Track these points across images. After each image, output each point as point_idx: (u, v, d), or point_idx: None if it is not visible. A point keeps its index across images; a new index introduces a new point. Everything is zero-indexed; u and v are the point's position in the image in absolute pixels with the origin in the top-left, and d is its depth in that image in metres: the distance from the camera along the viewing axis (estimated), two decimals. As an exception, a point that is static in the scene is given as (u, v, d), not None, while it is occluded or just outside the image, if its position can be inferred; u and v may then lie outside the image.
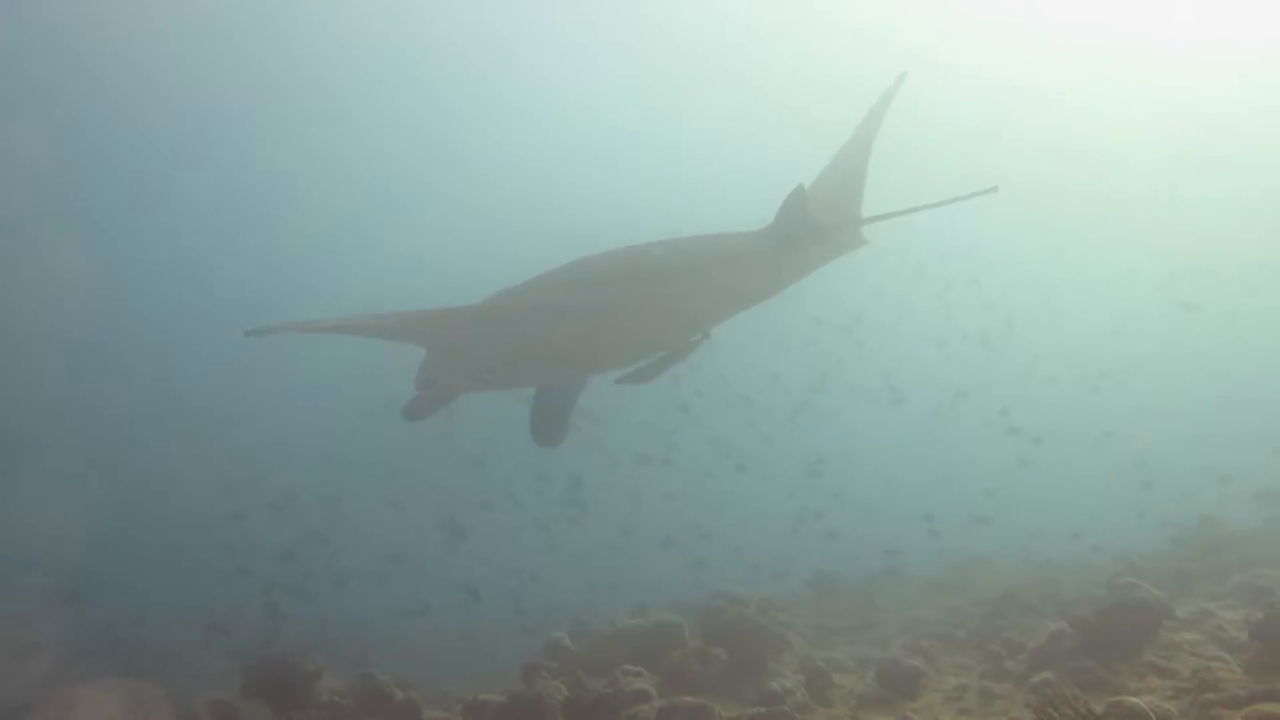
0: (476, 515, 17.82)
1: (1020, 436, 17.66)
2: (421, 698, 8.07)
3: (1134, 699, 5.40)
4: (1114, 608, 7.22)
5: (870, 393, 20.98)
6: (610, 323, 7.70)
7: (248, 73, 38.15)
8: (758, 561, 14.19)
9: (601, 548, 17.02)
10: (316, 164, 41.61)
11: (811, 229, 7.84)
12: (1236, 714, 5.00)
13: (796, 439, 19.81)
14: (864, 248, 8.66)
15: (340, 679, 8.21)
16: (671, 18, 39.55)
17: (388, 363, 8.95)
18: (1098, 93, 36.09)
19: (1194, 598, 8.61)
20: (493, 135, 43.11)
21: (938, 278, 24.49)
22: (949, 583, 13.85)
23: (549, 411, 8.38)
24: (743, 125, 41.73)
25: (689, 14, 39.49)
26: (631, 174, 41.95)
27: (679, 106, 42.39)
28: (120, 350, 34.44)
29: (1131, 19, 35.37)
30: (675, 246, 7.90)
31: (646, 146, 43.09)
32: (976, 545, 15.26)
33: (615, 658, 9.05)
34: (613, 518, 17.16)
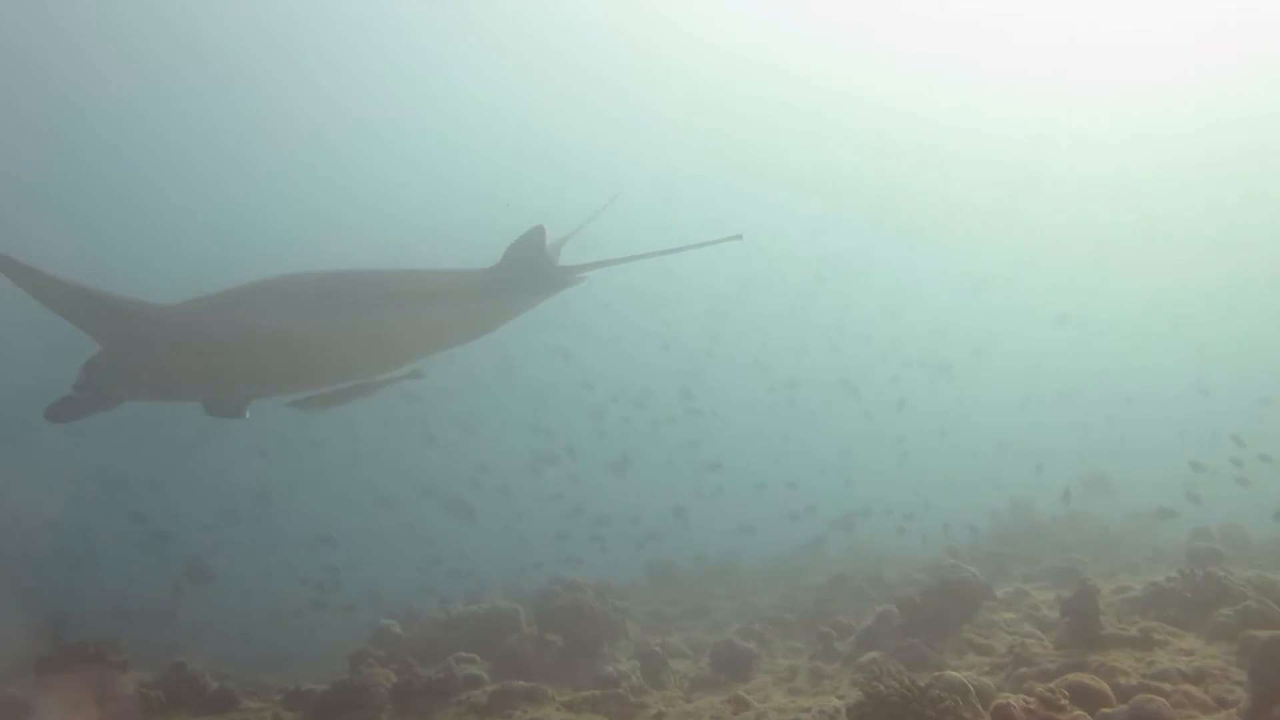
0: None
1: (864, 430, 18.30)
2: (239, 688, 7.57)
3: (954, 673, 5.57)
4: (937, 588, 7.47)
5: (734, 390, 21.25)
6: (304, 349, 7.27)
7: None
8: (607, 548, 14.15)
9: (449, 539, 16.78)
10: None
11: (544, 270, 7.75)
12: (1047, 685, 5.19)
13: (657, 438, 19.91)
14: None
15: (150, 671, 7.62)
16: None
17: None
18: (934, 103, 38.03)
19: (1010, 579, 9.04)
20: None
21: (791, 279, 25.25)
22: (782, 571, 14.18)
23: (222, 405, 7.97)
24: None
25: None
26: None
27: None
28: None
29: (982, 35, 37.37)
30: (390, 278, 7.61)
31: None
32: (806, 534, 15.74)
33: (448, 645, 8.79)
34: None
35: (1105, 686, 4.93)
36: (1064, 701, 4.39)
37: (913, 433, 19.68)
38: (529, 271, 7.67)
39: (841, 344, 21.60)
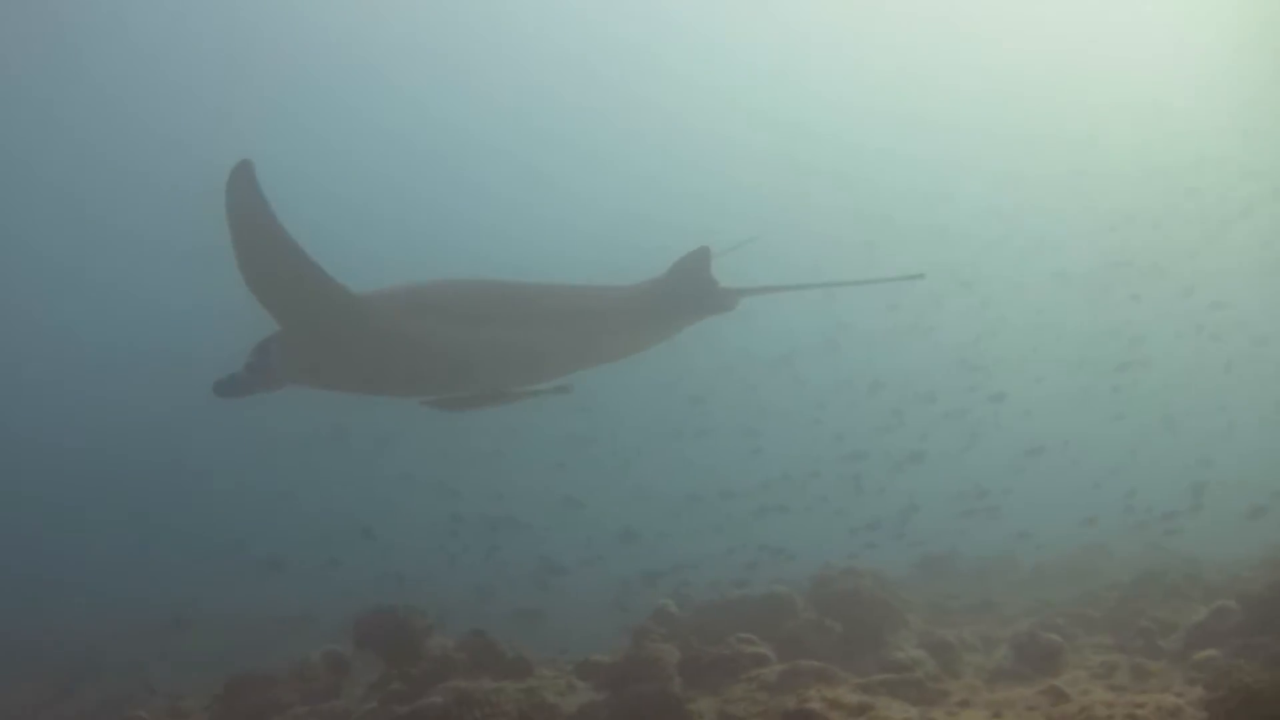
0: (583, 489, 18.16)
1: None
2: (533, 657, 7.83)
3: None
4: (1290, 582, 6.55)
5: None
6: (482, 358, 7.19)
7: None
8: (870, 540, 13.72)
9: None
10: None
11: (708, 292, 7.61)
12: None
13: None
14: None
15: (449, 636, 8.01)
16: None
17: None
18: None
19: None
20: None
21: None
22: (1067, 569, 13.12)
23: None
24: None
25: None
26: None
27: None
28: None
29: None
30: (562, 292, 7.55)
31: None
32: (1094, 534, 14.55)
33: (725, 626, 8.67)
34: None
35: None
36: None
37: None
38: (693, 293, 7.60)
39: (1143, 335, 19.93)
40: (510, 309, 7.31)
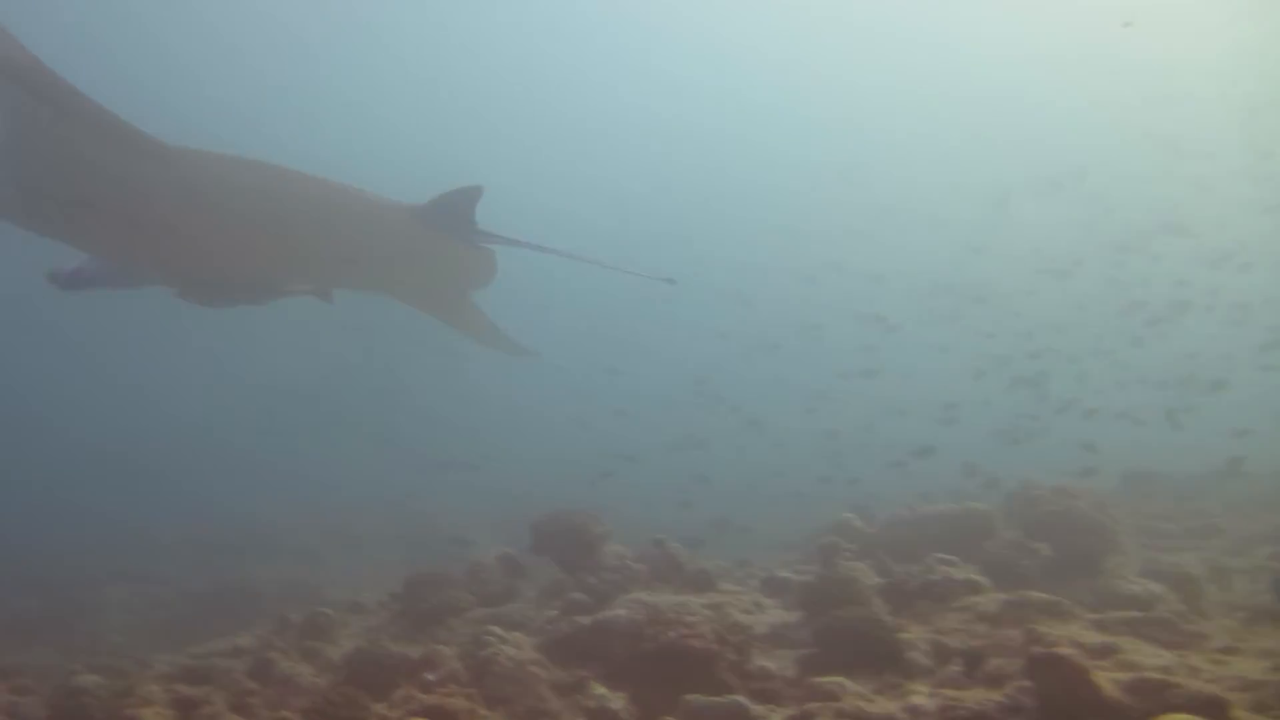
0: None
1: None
2: (714, 570, 7.34)
3: None
4: None
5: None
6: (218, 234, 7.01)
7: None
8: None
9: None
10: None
11: (465, 225, 7.47)
12: None
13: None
14: None
15: (627, 545, 7.61)
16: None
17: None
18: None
19: None
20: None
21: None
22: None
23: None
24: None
25: None
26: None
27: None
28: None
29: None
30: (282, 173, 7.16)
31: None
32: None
33: (917, 544, 7.99)
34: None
35: None
36: None
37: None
38: (449, 222, 7.39)
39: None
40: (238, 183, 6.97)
